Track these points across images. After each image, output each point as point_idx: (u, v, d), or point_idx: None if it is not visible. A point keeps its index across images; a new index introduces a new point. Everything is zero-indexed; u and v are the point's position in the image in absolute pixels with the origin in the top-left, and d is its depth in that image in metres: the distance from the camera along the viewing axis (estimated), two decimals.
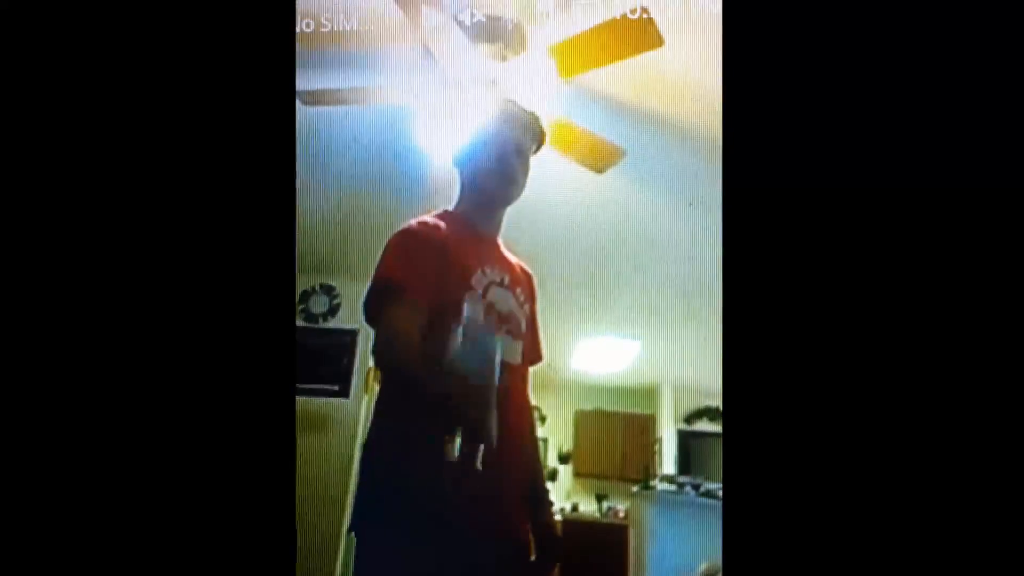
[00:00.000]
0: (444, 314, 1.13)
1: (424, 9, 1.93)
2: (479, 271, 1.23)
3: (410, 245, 1.21)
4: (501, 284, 1.27)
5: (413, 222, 1.25)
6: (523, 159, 1.31)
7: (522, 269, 1.39)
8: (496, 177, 1.29)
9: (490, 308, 1.22)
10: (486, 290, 1.23)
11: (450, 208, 1.34)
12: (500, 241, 1.37)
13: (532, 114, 1.35)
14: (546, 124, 2.35)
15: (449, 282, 1.18)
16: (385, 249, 1.22)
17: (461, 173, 1.35)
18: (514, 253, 1.40)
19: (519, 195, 1.32)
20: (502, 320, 1.24)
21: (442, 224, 1.26)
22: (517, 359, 1.27)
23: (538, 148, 1.35)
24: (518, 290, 1.31)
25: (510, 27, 2.23)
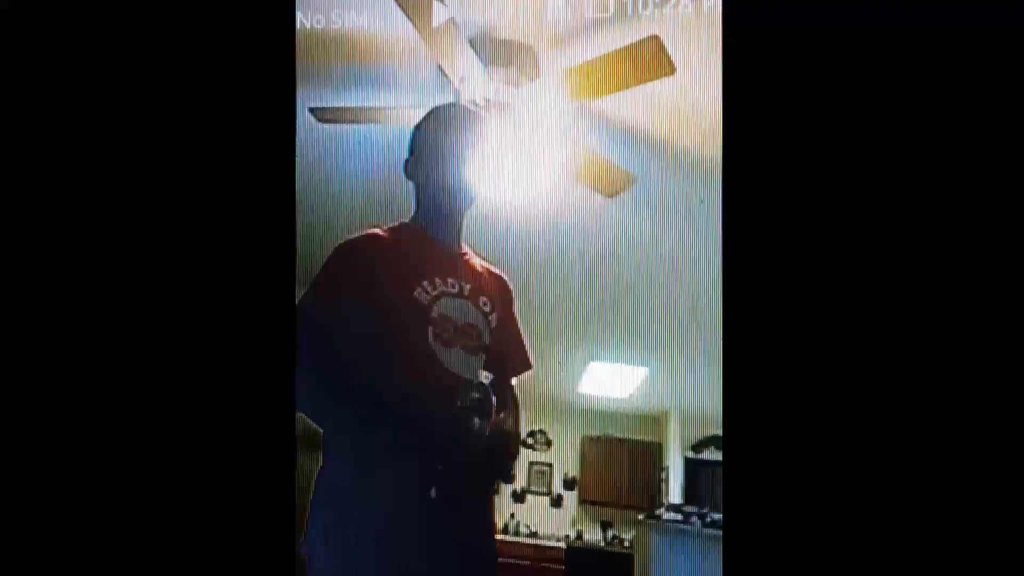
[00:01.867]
0: (375, 329, 1.16)
1: (434, 22, 1.94)
2: (425, 282, 1.20)
3: (337, 266, 1.22)
4: (459, 295, 1.24)
5: (353, 237, 1.25)
6: (466, 162, 1.26)
7: (491, 275, 1.35)
8: (444, 188, 1.27)
9: (444, 321, 1.19)
10: (433, 302, 1.20)
11: (406, 220, 1.32)
12: (465, 248, 1.34)
13: (460, 107, 1.34)
14: (561, 149, 2.38)
15: (383, 296, 1.18)
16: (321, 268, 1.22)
17: (415, 186, 1.32)
18: (479, 254, 1.37)
19: (472, 200, 1.30)
20: (458, 333, 1.21)
21: (386, 236, 1.26)
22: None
23: (479, 136, 1.29)
24: (481, 300, 1.27)
25: (524, 52, 2.26)
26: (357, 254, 1.23)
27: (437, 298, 1.21)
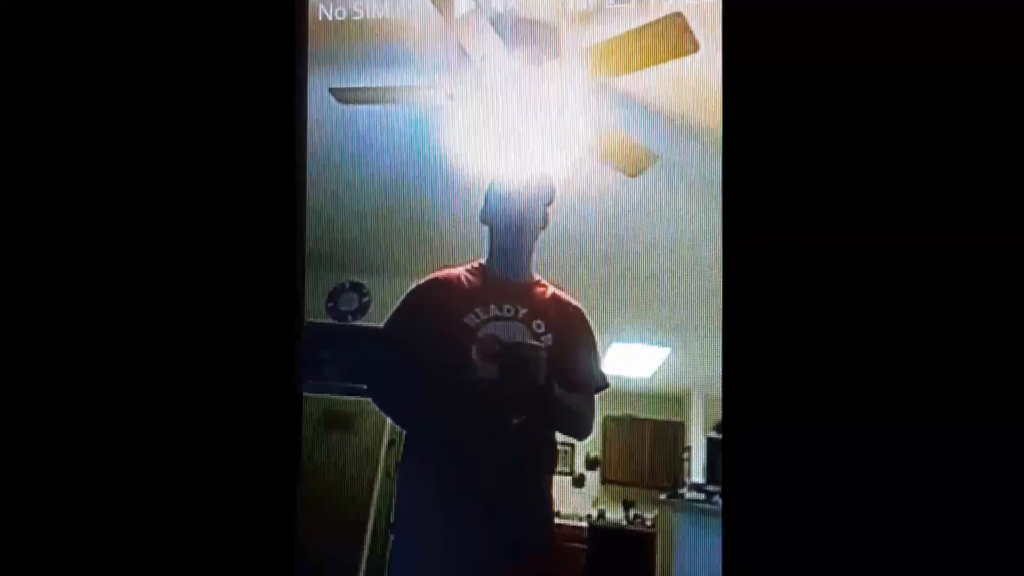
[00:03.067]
0: (443, 350, 1.38)
1: (456, 4, 1.94)
2: (476, 310, 1.43)
3: (407, 302, 1.49)
4: (512, 317, 1.44)
5: (427, 278, 1.51)
6: (540, 212, 1.53)
7: (559, 302, 1.54)
8: (515, 233, 1.51)
9: (489, 339, 1.40)
10: (482, 325, 1.42)
11: (483, 260, 1.55)
12: (537, 277, 1.55)
13: (545, 179, 1.56)
14: (583, 128, 2.36)
15: (444, 325, 1.41)
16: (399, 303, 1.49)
17: (488, 229, 1.55)
18: (556, 284, 1.56)
19: (538, 238, 1.54)
20: (503, 348, 1.38)
21: (455, 275, 1.52)
22: None
23: (551, 200, 1.56)
24: (535, 322, 1.45)
25: (545, 31, 2.23)
26: (428, 291, 1.49)
27: (486, 321, 1.42)
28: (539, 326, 1.45)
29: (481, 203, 1.56)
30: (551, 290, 1.55)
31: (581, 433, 1.56)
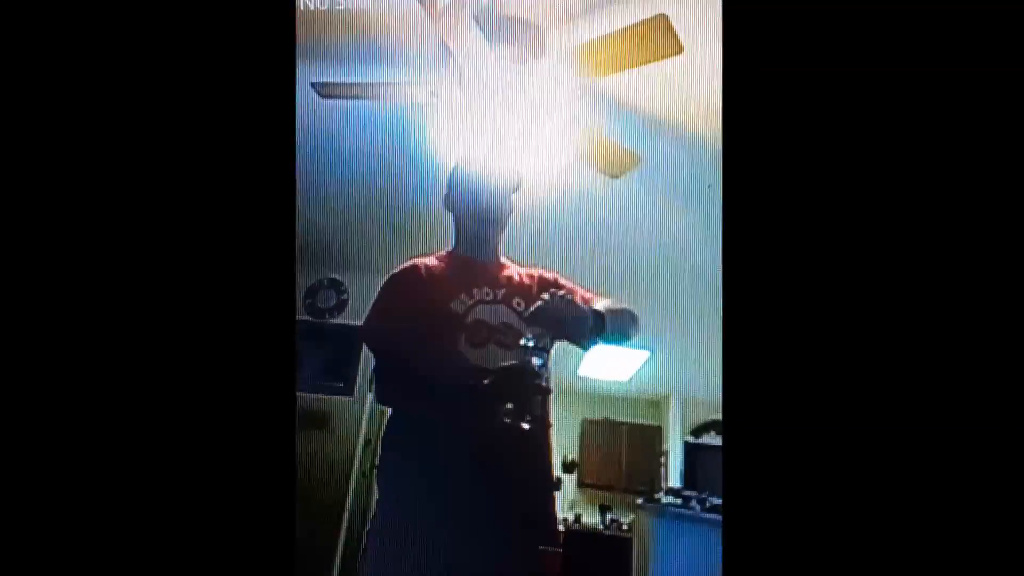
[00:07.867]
0: (428, 338, 1.37)
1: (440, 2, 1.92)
2: (460, 296, 1.43)
3: (387, 294, 1.46)
4: (493, 301, 1.45)
5: (402, 267, 1.49)
6: (506, 201, 1.52)
7: (530, 277, 1.54)
8: (481, 222, 1.51)
9: (478, 324, 1.40)
10: (469, 311, 1.42)
11: (450, 248, 1.56)
12: (503, 260, 1.56)
13: (509, 167, 1.55)
14: (565, 128, 2.35)
15: (428, 313, 1.39)
16: (376, 296, 1.46)
17: (453, 216, 1.56)
18: (520, 263, 1.57)
19: (505, 226, 1.54)
20: (491, 333, 1.40)
21: (431, 263, 1.51)
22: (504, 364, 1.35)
23: (517, 188, 1.54)
24: (515, 300, 1.46)
25: (529, 29, 2.23)
26: (404, 281, 1.47)
27: (473, 307, 1.42)
28: (519, 304, 1.46)
29: (444, 189, 1.56)
30: (518, 269, 1.56)
31: (637, 329, 1.56)
